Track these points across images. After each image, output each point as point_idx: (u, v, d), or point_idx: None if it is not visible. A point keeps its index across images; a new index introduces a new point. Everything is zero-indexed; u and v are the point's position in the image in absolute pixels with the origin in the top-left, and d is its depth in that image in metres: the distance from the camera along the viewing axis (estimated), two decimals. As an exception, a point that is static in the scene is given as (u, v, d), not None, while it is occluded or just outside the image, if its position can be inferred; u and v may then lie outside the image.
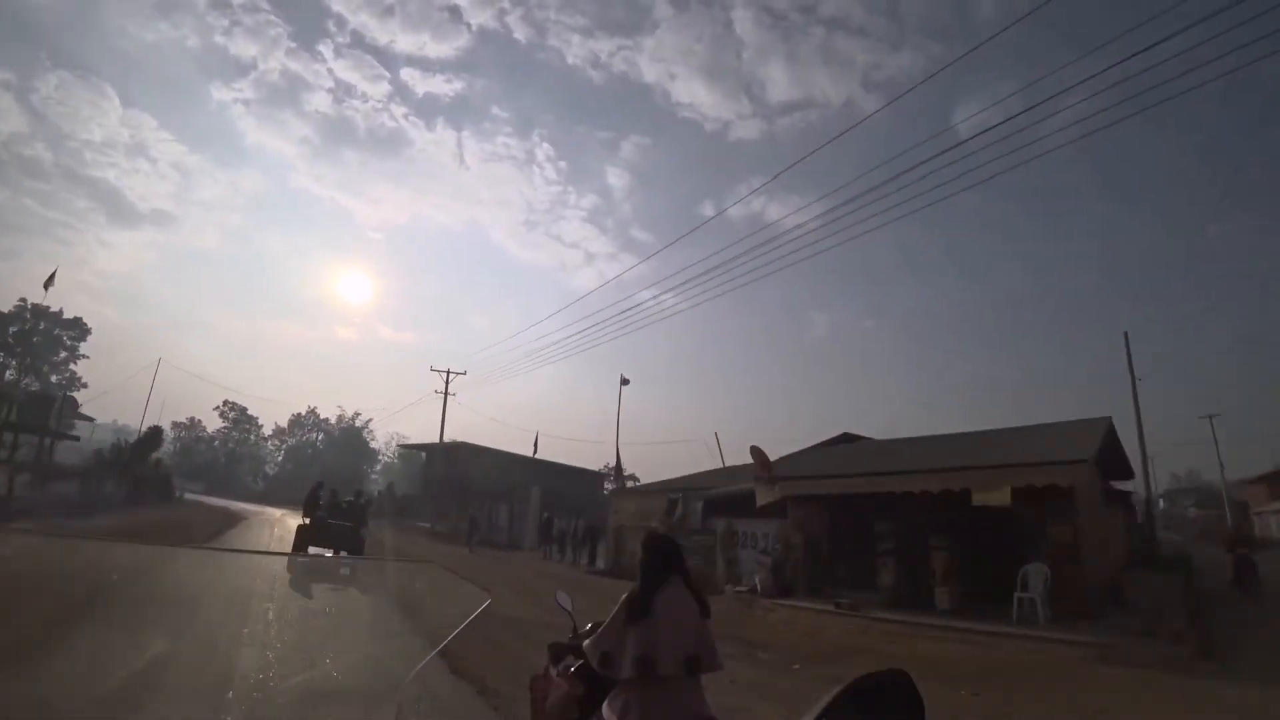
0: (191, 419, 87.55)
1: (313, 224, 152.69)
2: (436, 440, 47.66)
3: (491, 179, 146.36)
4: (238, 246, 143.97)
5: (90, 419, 51.18)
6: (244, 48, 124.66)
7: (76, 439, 34.85)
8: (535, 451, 35.14)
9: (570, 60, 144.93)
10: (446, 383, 37.71)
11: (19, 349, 59.99)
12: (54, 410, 34.52)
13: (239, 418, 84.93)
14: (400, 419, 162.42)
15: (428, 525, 37.65)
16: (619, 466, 23.92)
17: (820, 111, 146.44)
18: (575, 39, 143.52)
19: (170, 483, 38.03)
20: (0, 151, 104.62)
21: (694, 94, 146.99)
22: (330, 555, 18.35)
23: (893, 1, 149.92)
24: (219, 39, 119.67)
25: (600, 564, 22.73)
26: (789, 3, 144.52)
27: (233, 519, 29.82)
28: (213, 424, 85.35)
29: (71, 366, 62.82)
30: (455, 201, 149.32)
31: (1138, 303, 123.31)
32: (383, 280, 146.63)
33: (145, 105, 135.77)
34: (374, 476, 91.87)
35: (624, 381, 25.39)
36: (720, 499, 16.72)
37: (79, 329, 62.86)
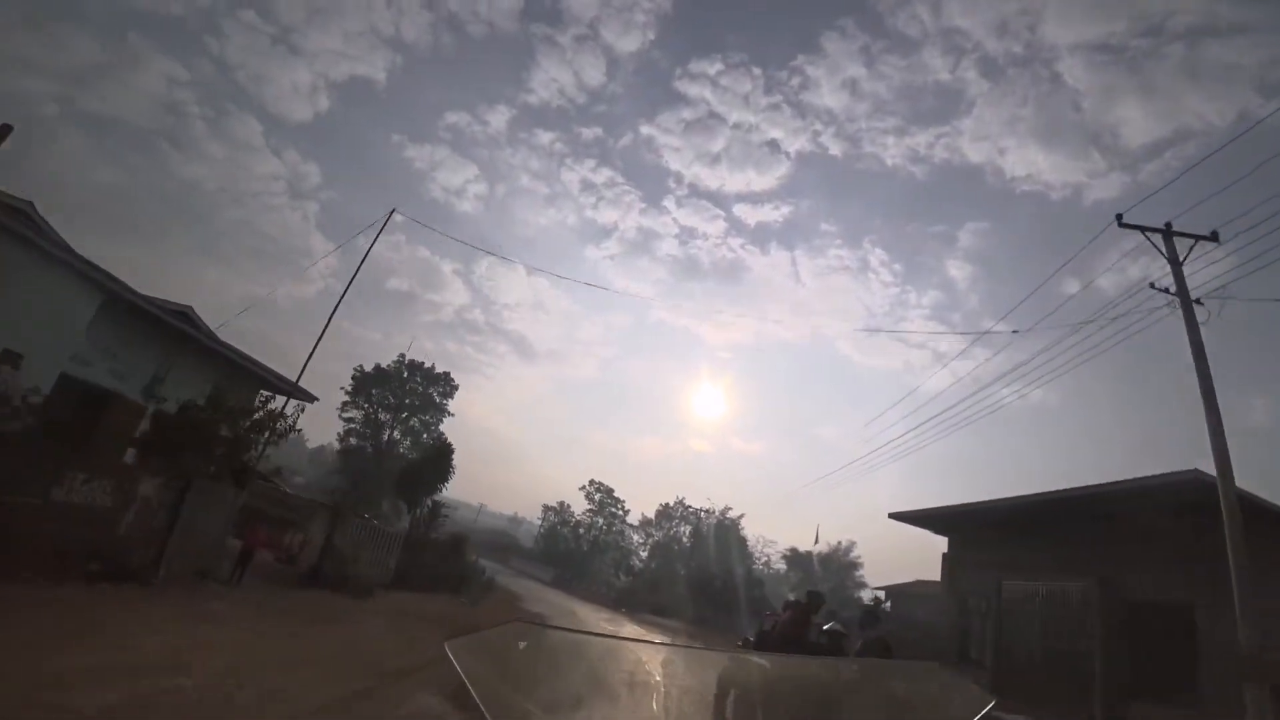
0: (561, 503, 78.20)
1: (670, 350, 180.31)
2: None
3: (828, 291, 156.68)
4: (610, 374, 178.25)
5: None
6: (607, 215, 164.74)
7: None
8: None
9: (889, 162, 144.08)
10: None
11: (399, 409, 54.71)
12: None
13: (605, 499, 71.81)
14: (768, 524, 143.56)
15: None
16: None
17: (1199, 141, 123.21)
18: (890, 141, 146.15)
19: (461, 550, 20.55)
20: (454, 318, 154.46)
21: (1031, 163, 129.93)
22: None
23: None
24: (589, 213, 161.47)
25: None
26: (1126, 30, 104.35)
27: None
28: (578, 506, 74.11)
29: (440, 428, 55.49)
30: (795, 316, 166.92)
31: None
32: (732, 395, 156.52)
33: (541, 272, 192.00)
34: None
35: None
36: None
37: (447, 384, 55.92)
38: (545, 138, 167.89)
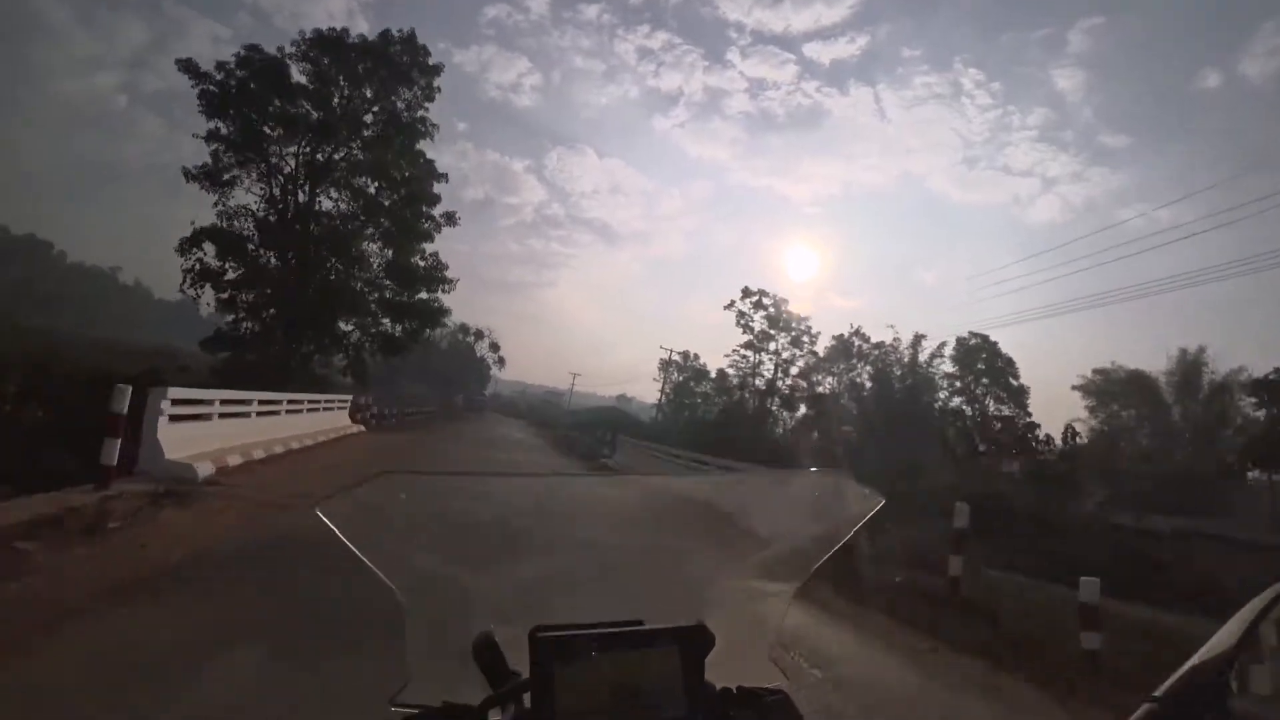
0: (687, 353, 47.93)
1: (754, 213, 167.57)
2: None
3: (918, 124, 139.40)
4: (696, 246, 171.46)
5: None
6: (670, 80, 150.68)
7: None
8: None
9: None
10: None
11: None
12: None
13: (777, 315, 40.14)
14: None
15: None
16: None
17: None
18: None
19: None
20: (534, 215, 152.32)
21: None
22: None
23: None
24: (651, 82, 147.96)
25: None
26: None
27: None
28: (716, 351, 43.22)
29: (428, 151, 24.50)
30: (884, 158, 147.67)
31: None
32: (826, 251, 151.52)
33: (613, 152, 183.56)
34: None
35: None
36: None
37: (416, 55, 24.19)
38: (590, 11, 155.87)
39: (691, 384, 48.18)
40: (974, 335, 44.81)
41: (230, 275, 22.05)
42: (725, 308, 41.23)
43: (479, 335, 76.98)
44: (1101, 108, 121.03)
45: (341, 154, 24.63)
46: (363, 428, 18.35)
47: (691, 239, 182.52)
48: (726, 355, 42.23)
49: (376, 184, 25.24)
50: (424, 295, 26.87)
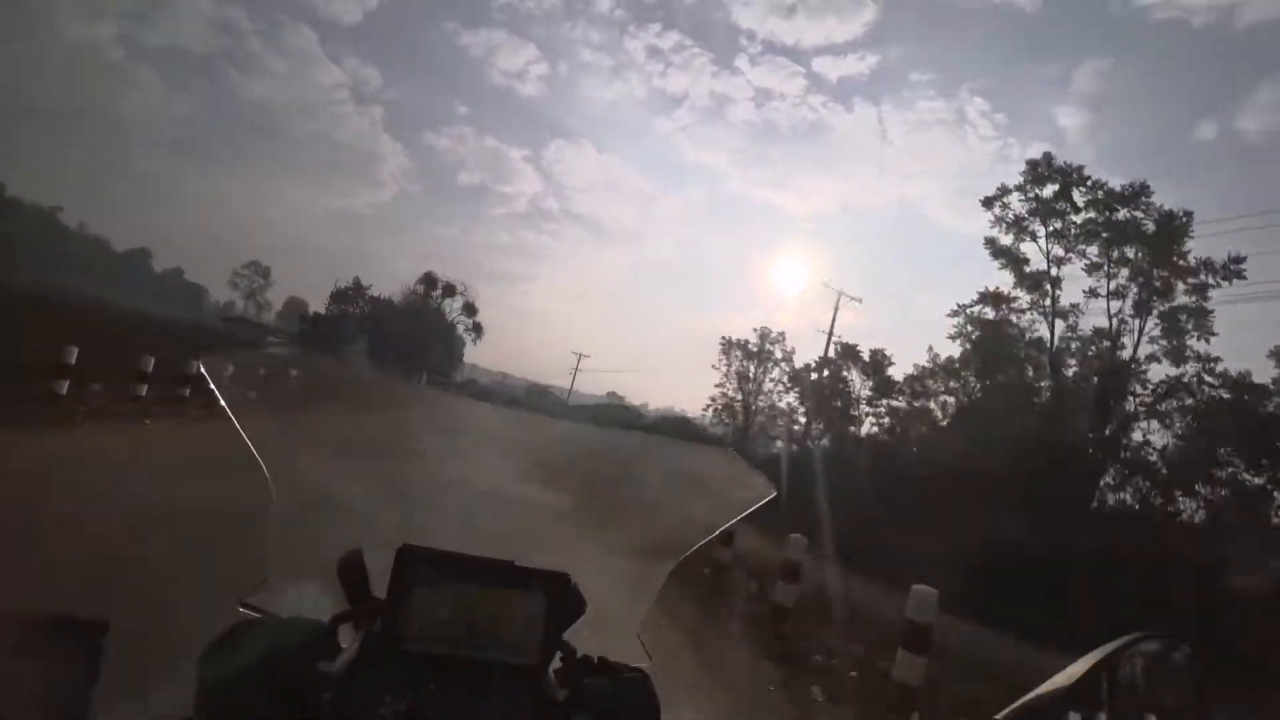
0: (765, 332, 30.41)
1: (749, 223, 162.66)
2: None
3: (918, 149, 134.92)
4: (689, 252, 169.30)
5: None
6: (676, 82, 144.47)
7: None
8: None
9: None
10: None
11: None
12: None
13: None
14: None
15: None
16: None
17: None
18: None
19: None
20: (528, 206, 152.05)
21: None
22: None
23: None
24: (657, 82, 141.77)
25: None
26: None
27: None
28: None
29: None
30: (882, 180, 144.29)
31: None
32: (820, 267, 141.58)
33: (612, 149, 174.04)
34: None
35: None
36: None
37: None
38: (605, 4, 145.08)
39: (785, 384, 30.27)
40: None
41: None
42: (984, 203, 24.41)
43: (449, 291, 58.41)
44: (1103, 149, 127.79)
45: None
46: None
47: (685, 244, 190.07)
48: (952, 314, 24.68)
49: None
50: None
